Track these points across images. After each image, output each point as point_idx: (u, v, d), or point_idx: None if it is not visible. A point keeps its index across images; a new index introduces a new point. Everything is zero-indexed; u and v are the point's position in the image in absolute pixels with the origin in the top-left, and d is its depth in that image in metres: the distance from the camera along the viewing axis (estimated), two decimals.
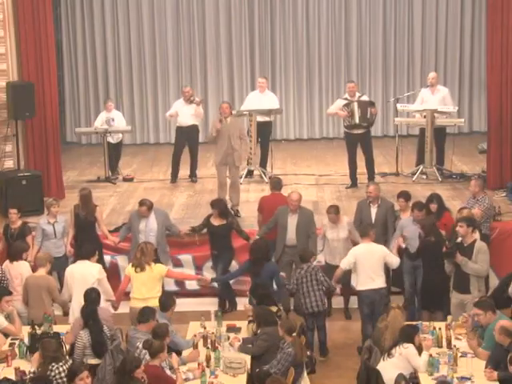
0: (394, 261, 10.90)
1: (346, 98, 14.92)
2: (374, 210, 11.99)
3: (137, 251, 10.57)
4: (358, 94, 14.97)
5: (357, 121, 14.63)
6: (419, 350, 8.87)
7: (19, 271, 10.67)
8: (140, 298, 10.34)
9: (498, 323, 8.62)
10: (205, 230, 12.24)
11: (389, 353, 8.82)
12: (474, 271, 10.21)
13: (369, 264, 10.64)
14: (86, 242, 11.48)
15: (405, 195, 11.99)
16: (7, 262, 10.87)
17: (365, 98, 15.12)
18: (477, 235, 10.66)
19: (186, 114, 15.35)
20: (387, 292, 11.38)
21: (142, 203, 11.95)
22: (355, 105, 14.66)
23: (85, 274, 10.41)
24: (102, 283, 10.47)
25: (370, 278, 10.62)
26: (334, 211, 11.70)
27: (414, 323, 9.69)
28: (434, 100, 15.36)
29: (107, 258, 12.30)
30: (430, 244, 10.86)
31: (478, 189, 12.03)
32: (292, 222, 11.76)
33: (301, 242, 11.67)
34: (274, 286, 10.96)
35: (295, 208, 11.79)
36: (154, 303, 9.94)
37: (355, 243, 11.44)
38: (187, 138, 15.48)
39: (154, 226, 11.82)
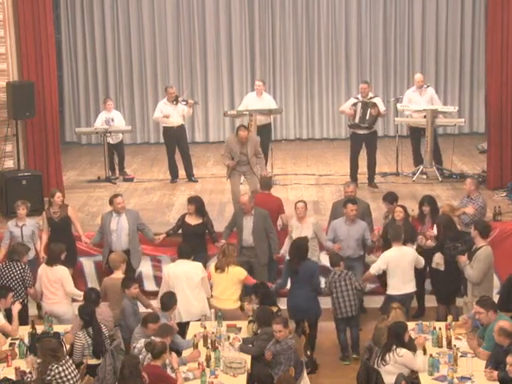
0: (422, 261, 10.89)
1: (357, 98, 14.98)
2: None
3: (219, 253, 10.73)
4: (370, 95, 14.99)
5: (356, 121, 14.69)
6: (410, 346, 8.84)
7: (58, 276, 10.58)
8: (217, 297, 10.54)
9: (497, 324, 8.61)
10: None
11: (383, 358, 8.75)
12: (467, 275, 10.32)
13: (401, 269, 10.58)
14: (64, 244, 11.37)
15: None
16: (44, 265, 10.74)
17: (377, 99, 15.09)
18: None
19: (175, 114, 15.29)
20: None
21: (116, 195, 12.05)
22: (359, 105, 14.72)
23: (190, 273, 10.51)
24: (204, 281, 10.62)
25: (402, 282, 10.58)
26: (303, 203, 11.73)
27: (415, 323, 9.71)
28: (422, 101, 15.45)
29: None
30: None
31: (474, 187, 12.05)
32: (247, 223, 11.78)
33: (257, 242, 11.69)
34: None
35: (248, 210, 11.79)
36: (230, 305, 10.35)
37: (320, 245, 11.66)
38: (176, 138, 15.44)
39: (125, 226, 11.79)
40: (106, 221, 11.90)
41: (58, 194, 12.07)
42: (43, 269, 10.69)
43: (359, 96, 15.00)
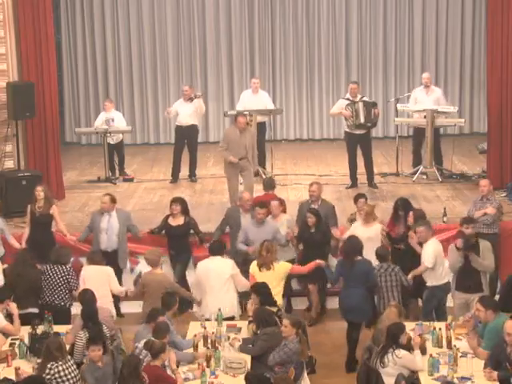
0: None
1: (348, 99, 14.87)
2: None
3: (262, 249, 10.50)
4: (359, 96, 14.95)
5: (362, 121, 14.55)
6: (408, 346, 8.83)
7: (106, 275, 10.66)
8: None
9: (507, 323, 8.50)
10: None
11: (381, 360, 8.72)
12: (483, 267, 10.26)
13: (441, 258, 10.62)
14: (42, 241, 11.48)
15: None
16: (93, 266, 10.72)
17: (366, 99, 15.09)
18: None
19: (185, 113, 15.37)
20: None
21: (105, 194, 12.05)
22: (360, 105, 14.62)
23: (219, 269, 10.45)
24: (236, 278, 10.56)
25: (446, 271, 10.59)
26: (279, 200, 11.75)
27: (415, 323, 9.70)
28: (428, 101, 15.39)
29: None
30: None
31: (492, 188, 12.06)
32: (246, 221, 11.74)
33: None
34: None
35: (249, 208, 11.78)
36: (279, 301, 10.18)
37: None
38: (187, 137, 15.52)
39: (115, 225, 11.79)
40: (96, 219, 11.89)
41: (38, 189, 11.90)
42: (90, 269, 10.67)
43: (349, 96, 14.90)
